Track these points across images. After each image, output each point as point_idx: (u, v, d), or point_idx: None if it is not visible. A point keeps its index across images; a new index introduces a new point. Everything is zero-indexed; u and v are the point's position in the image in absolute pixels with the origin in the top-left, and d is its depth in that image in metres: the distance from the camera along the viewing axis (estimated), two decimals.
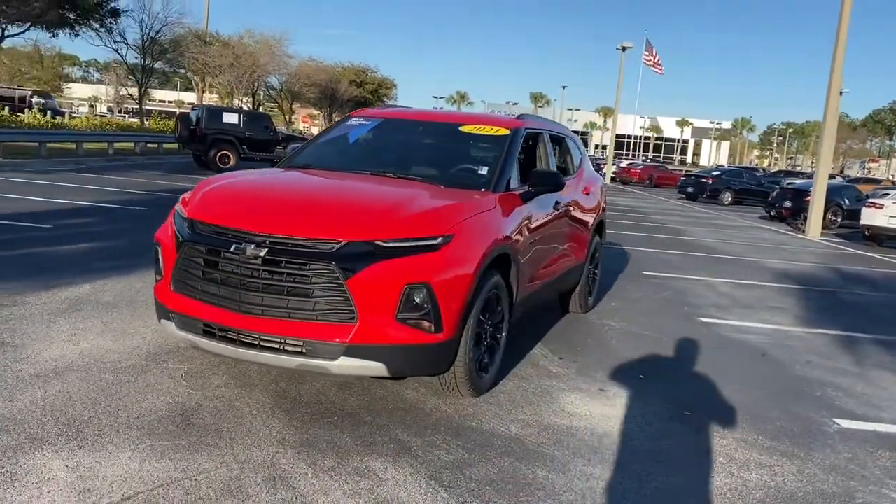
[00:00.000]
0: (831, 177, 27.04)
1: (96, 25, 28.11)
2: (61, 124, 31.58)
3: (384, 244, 3.84)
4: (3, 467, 3.14)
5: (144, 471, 3.21)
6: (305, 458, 3.47)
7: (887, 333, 7.55)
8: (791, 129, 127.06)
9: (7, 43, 27.63)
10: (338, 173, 5.02)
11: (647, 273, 10.02)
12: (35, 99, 49.91)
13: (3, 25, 25.68)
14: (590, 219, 6.70)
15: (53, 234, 8.81)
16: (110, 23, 28.87)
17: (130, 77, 35.20)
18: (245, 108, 44.09)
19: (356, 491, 3.20)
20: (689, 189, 32.67)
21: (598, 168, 52.24)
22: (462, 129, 5.50)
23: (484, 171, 5.03)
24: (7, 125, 25.76)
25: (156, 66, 36.15)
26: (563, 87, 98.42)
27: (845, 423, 4.70)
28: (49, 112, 30.31)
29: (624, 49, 45.39)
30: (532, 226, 5.10)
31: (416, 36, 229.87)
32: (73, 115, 47.07)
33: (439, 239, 3.97)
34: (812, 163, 79.42)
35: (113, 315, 5.52)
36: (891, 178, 61.07)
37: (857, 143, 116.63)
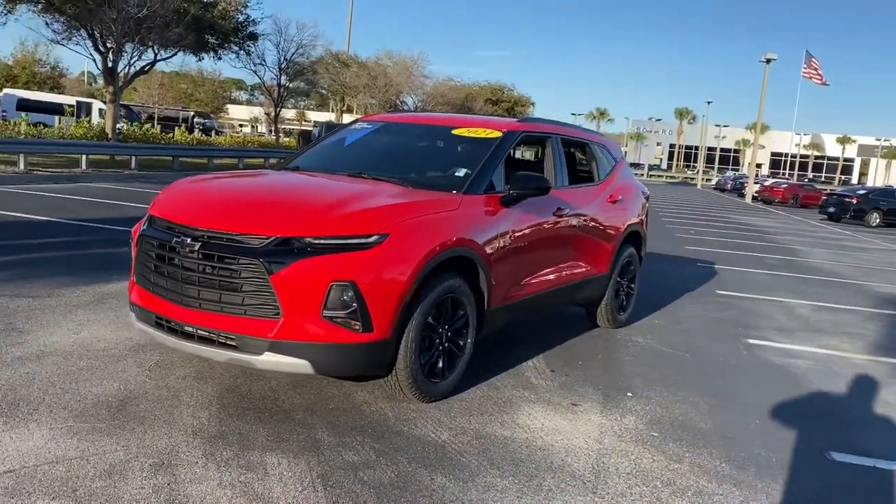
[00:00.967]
0: None
1: (236, 49, 30.10)
2: (205, 141, 34.11)
3: (313, 241, 3.84)
4: None
5: (45, 448, 3.36)
6: (207, 448, 3.52)
7: None
8: None
9: (174, 67, 30.11)
10: (316, 174, 5.08)
11: (721, 292, 9.39)
12: (196, 119, 54.24)
13: (155, 50, 28.05)
14: (615, 228, 6.37)
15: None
16: (248, 46, 30.80)
17: (270, 97, 37.38)
18: None
19: (233, 483, 3.20)
20: (831, 209, 30.30)
21: (741, 186, 50.07)
22: (454, 132, 5.42)
23: (461, 172, 4.92)
24: (155, 141, 28.14)
25: (290, 85, 37.98)
26: (709, 103, 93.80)
27: (840, 457, 4.18)
28: (203, 131, 32.78)
29: (768, 61, 43.07)
30: (516, 230, 4.92)
31: (555, 53, 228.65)
32: (234, 134, 50.67)
33: (373, 237, 3.92)
34: None
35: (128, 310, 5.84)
36: None
37: None
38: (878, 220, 29.00)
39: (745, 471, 3.86)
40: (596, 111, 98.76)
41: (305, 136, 23.81)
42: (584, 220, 5.90)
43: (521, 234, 4.99)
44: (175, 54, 28.53)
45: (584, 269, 5.98)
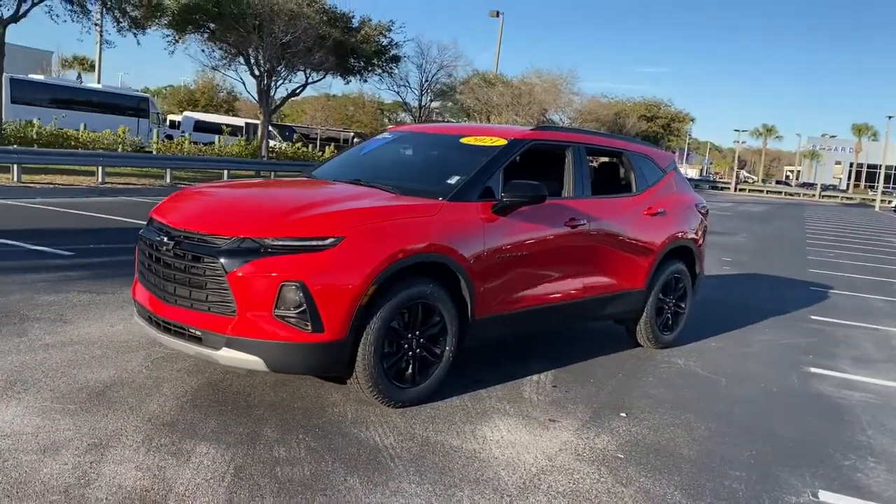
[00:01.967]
0: None
1: (379, 71, 31.40)
2: None
3: (270, 242, 3.98)
4: None
5: (7, 423, 3.70)
6: (150, 434, 3.73)
7: None
8: None
9: (322, 90, 31.81)
10: (317, 181, 5.24)
11: (816, 317, 8.62)
12: (356, 139, 57.07)
13: (307, 74, 29.87)
14: (653, 242, 6.04)
15: None
16: (391, 68, 32.02)
17: (413, 117, 38.67)
18: None
19: (149, 466, 3.37)
20: None
21: None
22: (462, 140, 5.40)
23: (454, 180, 4.89)
24: (304, 158, 29.85)
25: (433, 105, 38.99)
26: (889, 118, 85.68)
27: (827, 497, 3.74)
28: None
29: None
30: (512, 239, 4.83)
31: (719, 68, 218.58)
32: None
33: (328, 241, 4.00)
34: None
35: None
36: None
37: None
38: None
39: (697, 501, 3.55)
40: (763, 128, 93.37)
41: None
42: (610, 232, 5.65)
43: (518, 243, 4.88)
44: (323, 77, 30.23)
45: (610, 283, 5.72)
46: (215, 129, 40.51)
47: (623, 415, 4.67)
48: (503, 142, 5.19)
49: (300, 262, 3.94)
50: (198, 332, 4.09)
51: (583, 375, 5.42)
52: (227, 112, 58.42)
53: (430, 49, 36.75)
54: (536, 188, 4.81)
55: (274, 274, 3.92)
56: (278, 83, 27.50)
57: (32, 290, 6.44)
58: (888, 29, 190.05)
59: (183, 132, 42.35)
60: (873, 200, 70.17)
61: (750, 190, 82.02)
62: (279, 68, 27.68)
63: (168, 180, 18.40)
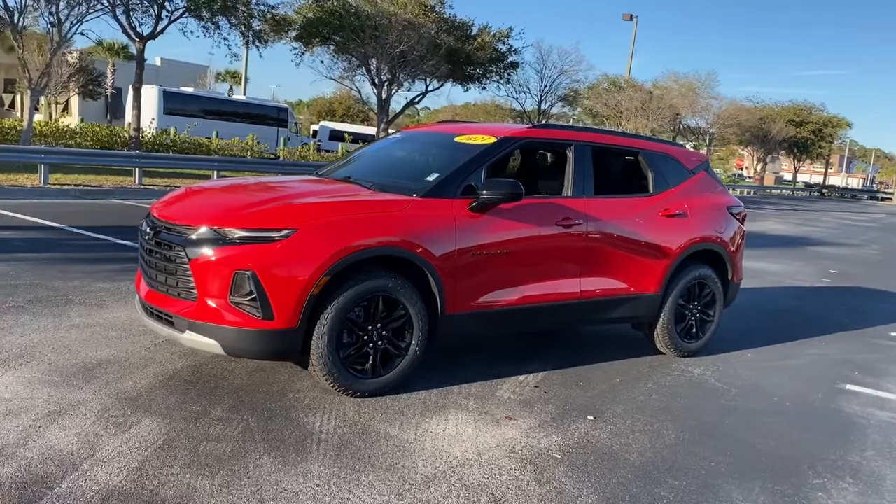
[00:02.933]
0: None
1: (496, 78, 31.58)
2: None
3: (228, 233, 4.23)
4: None
5: None
6: (108, 406, 4.04)
7: None
8: None
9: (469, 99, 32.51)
10: (307, 180, 5.47)
11: (894, 334, 7.91)
12: None
13: (427, 82, 30.60)
14: (669, 244, 5.79)
15: None
16: (509, 74, 32.12)
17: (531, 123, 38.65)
18: None
19: (88, 434, 3.66)
20: None
21: None
22: (456, 139, 5.44)
23: (432, 177, 4.96)
24: None
25: (553, 110, 38.69)
26: None
27: None
28: None
29: None
30: (491, 236, 4.83)
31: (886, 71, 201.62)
32: None
33: (283, 232, 4.20)
34: None
35: None
36: None
37: None
38: None
39: None
40: None
41: None
42: (614, 233, 5.50)
43: (498, 241, 4.87)
44: (441, 85, 30.82)
45: (615, 286, 5.56)
46: (350, 137, 42.44)
47: (591, 418, 4.55)
48: (491, 140, 5.19)
49: (253, 252, 4.16)
50: (170, 316, 4.40)
51: (576, 378, 5.30)
52: (362, 121, 60.68)
53: (551, 54, 36.51)
54: (512, 185, 4.79)
55: (229, 262, 4.15)
56: (392, 92, 28.25)
57: (92, 279, 7.07)
58: None
59: (319, 140, 44.70)
60: None
61: None
62: (399, 77, 28.53)
63: None
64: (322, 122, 53.74)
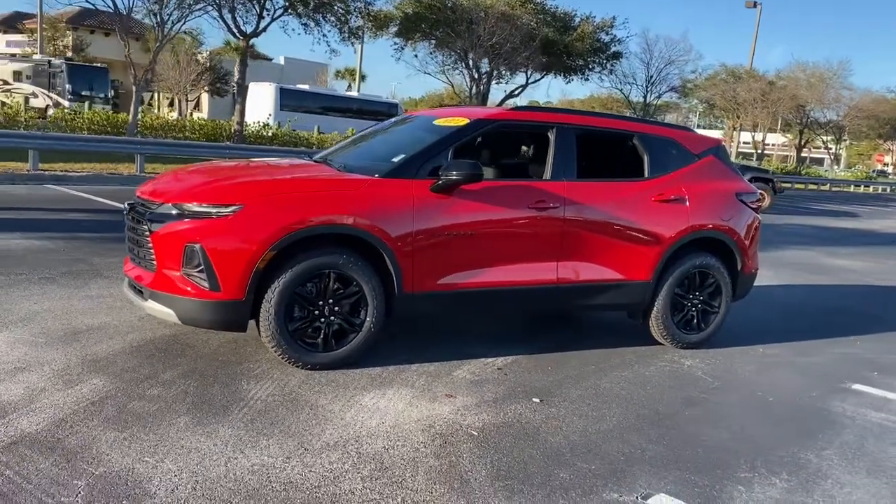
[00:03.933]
0: None
1: (598, 69, 31.01)
2: None
3: (186, 208, 4.49)
4: None
5: None
6: (68, 366, 4.38)
7: None
8: None
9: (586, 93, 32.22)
10: (293, 163, 5.67)
11: None
12: None
13: (528, 74, 30.48)
14: (662, 231, 5.57)
15: None
16: (612, 65, 31.44)
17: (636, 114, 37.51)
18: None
19: (36, 387, 4.00)
20: None
21: None
22: (435, 122, 5.48)
23: (398, 158, 5.03)
24: None
25: (658, 102, 37.48)
26: None
27: (657, 499, 3.36)
28: None
29: None
30: (452, 218, 4.86)
31: None
32: None
33: (231, 208, 4.42)
34: None
35: None
36: None
37: None
38: None
39: (498, 482, 3.41)
40: None
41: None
42: (595, 218, 5.37)
43: (461, 222, 4.90)
44: (542, 77, 30.60)
45: (597, 271, 5.43)
46: None
47: (536, 400, 4.50)
48: (464, 121, 5.21)
49: (203, 226, 4.39)
50: (139, 287, 4.71)
51: (549, 363, 5.24)
52: None
53: (657, 43, 35.39)
54: (471, 166, 4.79)
55: (180, 235, 4.41)
56: (484, 85, 28.28)
57: None
58: None
59: None
60: None
61: None
62: (500, 69, 28.56)
63: None
64: None
